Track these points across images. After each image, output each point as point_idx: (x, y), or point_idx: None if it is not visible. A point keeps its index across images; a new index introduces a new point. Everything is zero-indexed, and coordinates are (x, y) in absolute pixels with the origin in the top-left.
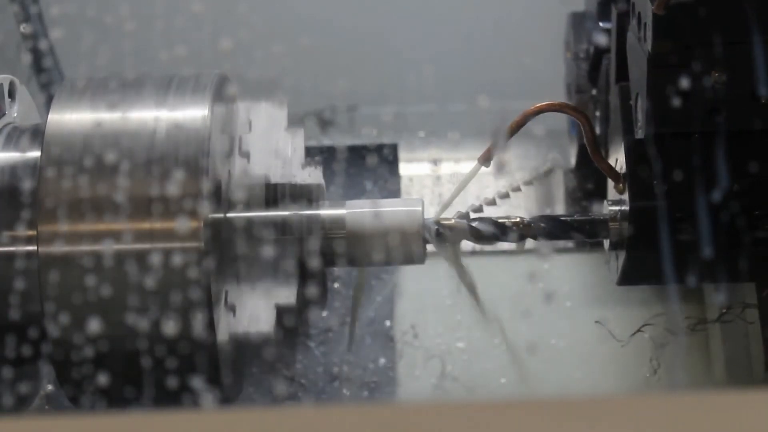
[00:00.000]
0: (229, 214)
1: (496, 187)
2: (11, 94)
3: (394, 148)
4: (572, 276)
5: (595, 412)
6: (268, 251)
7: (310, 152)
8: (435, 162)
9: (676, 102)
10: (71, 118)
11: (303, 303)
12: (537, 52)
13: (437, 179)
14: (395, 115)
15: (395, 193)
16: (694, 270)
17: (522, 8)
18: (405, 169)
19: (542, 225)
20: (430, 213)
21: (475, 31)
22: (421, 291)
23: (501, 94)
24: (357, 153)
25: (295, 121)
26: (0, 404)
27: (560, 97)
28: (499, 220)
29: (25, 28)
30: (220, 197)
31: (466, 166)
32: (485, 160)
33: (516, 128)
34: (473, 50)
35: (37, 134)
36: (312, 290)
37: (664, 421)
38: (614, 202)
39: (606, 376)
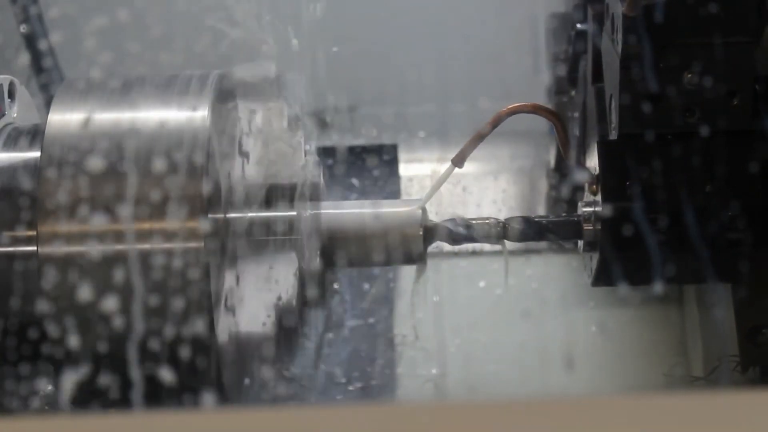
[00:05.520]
0: (229, 215)
1: (496, 189)
2: (11, 94)
3: (394, 148)
4: (572, 276)
5: (595, 412)
6: (268, 251)
7: (310, 152)
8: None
9: (648, 103)
10: (71, 118)
11: (303, 303)
12: (538, 53)
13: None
14: (395, 115)
15: (395, 193)
16: (667, 271)
17: (523, 8)
18: (405, 169)
19: (517, 226)
20: (433, 214)
21: (476, 32)
22: (421, 291)
23: (502, 94)
24: (357, 153)
25: (295, 121)
26: (0, 404)
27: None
28: (474, 222)
29: (24, 28)
30: (220, 197)
31: (467, 166)
32: (459, 161)
33: (489, 129)
34: (473, 50)
35: (37, 134)
36: (312, 291)
37: (664, 421)
38: (588, 204)
39: (605, 376)
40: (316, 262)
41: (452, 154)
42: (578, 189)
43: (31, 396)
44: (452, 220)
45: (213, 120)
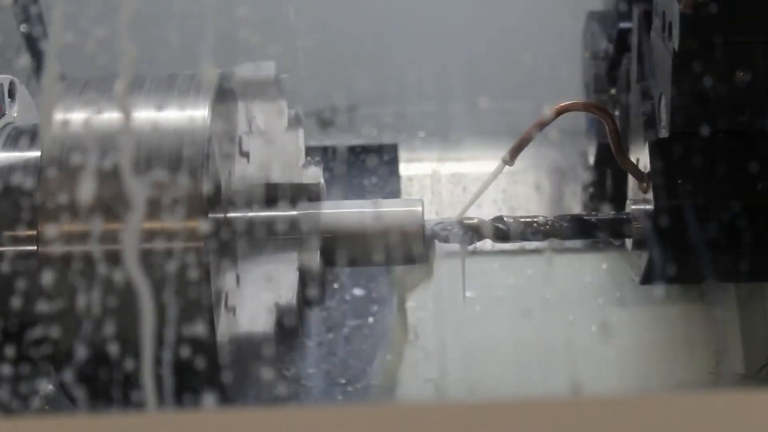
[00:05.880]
0: (229, 214)
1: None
2: (11, 94)
3: (394, 148)
4: (573, 276)
5: (596, 412)
6: (268, 251)
7: (310, 152)
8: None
9: (700, 101)
10: (71, 118)
11: (303, 303)
12: (537, 52)
13: (437, 180)
14: (395, 115)
15: (395, 193)
16: (719, 269)
17: (523, 7)
18: (405, 169)
19: (565, 224)
20: (433, 214)
21: (476, 32)
22: (421, 291)
23: (501, 94)
24: (357, 153)
25: (295, 121)
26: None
27: (560, 98)
28: (523, 220)
29: (24, 28)
30: (220, 197)
31: (467, 165)
32: (510, 158)
33: (540, 127)
34: (473, 50)
35: (37, 134)
36: (312, 290)
37: (664, 421)
38: (637, 201)
39: (606, 376)
40: (316, 262)
41: (452, 154)
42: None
43: (31, 396)
44: (500, 217)
45: (213, 120)
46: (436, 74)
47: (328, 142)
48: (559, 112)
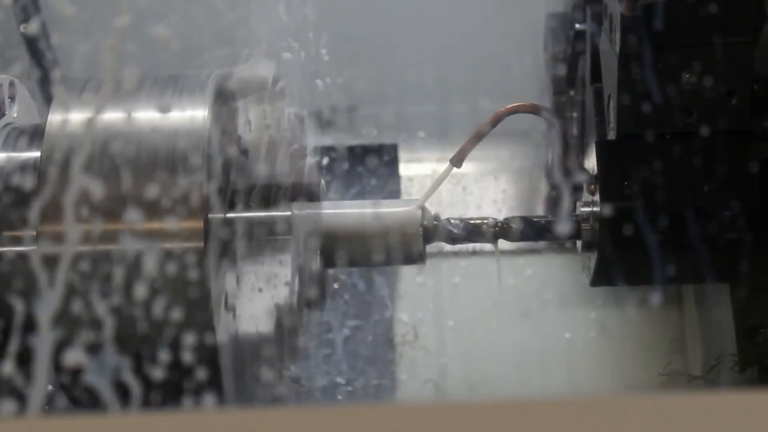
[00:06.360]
0: (229, 214)
1: (496, 189)
2: (11, 95)
3: (394, 148)
4: (570, 276)
5: (595, 412)
6: (267, 252)
7: (310, 152)
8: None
9: (647, 103)
10: (71, 118)
11: (303, 303)
12: (538, 53)
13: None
14: (395, 115)
15: (395, 193)
16: (666, 271)
17: (523, 8)
18: (405, 169)
19: (515, 226)
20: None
21: (476, 32)
22: (421, 291)
23: (502, 94)
24: (357, 153)
25: (295, 121)
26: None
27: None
28: (472, 222)
29: (25, 28)
30: (219, 197)
31: (467, 166)
32: (457, 161)
33: (487, 129)
34: (473, 50)
35: (37, 134)
36: (312, 290)
37: (664, 421)
38: (586, 203)
39: (604, 376)
40: (316, 262)
41: (452, 154)
42: (575, 189)
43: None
44: (447, 219)
45: (213, 120)
46: (436, 74)
47: (328, 142)
48: (507, 114)
